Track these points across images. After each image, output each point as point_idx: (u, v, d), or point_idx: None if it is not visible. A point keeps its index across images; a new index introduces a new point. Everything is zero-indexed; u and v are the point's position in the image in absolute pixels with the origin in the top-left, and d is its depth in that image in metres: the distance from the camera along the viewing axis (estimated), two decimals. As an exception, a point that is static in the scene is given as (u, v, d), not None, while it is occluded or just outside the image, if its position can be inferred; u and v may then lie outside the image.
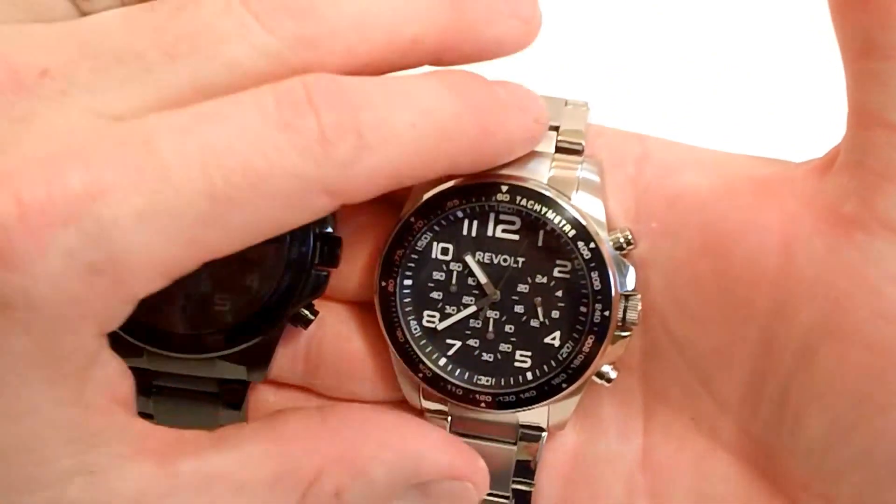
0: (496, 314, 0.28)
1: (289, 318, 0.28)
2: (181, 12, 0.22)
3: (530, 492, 0.29)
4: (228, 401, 0.29)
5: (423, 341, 0.28)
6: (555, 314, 0.28)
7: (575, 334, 0.27)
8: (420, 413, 0.29)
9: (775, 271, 0.25)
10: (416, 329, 0.28)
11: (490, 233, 0.28)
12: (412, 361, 0.28)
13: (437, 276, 0.28)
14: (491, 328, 0.28)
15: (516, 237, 0.28)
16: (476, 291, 0.28)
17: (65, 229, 0.20)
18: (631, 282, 0.27)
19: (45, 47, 0.22)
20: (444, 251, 0.28)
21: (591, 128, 0.28)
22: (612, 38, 0.51)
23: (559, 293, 0.27)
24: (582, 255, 0.27)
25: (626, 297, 0.27)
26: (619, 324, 0.27)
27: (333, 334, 0.29)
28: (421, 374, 0.28)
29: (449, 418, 0.29)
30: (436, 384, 0.28)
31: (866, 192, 0.24)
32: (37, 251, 0.19)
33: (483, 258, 0.28)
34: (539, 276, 0.28)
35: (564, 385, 0.27)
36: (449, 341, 0.28)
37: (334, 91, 0.22)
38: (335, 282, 0.28)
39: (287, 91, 0.21)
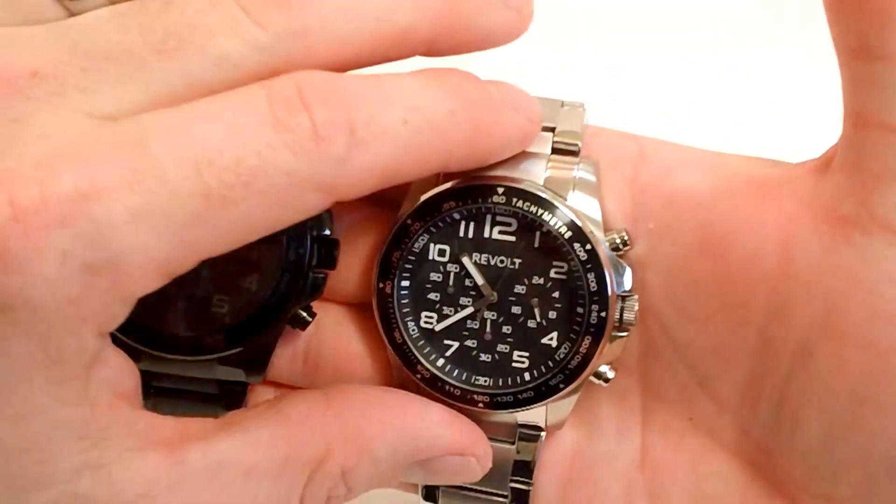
0: (493, 315, 0.28)
1: (287, 320, 0.28)
2: (169, 8, 0.22)
3: (529, 491, 0.29)
4: (228, 402, 0.29)
5: (421, 342, 0.28)
6: (552, 315, 0.28)
7: (572, 335, 0.27)
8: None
9: (773, 272, 0.25)
10: (413, 330, 0.28)
11: (487, 234, 0.28)
12: (410, 362, 0.28)
13: (435, 277, 0.28)
14: (488, 329, 0.28)
15: (513, 238, 0.28)
16: (473, 293, 0.28)
17: (60, 230, 0.20)
18: (628, 282, 0.27)
19: (35, 49, 0.22)
20: (441, 252, 0.28)
21: (587, 128, 0.28)
22: (612, 38, 0.51)
23: (556, 294, 0.28)
24: (578, 255, 0.27)
25: (623, 297, 0.27)
26: (617, 324, 0.27)
27: (331, 336, 0.29)
28: (419, 375, 0.28)
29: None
30: (434, 385, 0.28)
31: (863, 192, 0.24)
32: (33, 253, 0.20)
33: (480, 259, 0.28)
34: (536, 277, 0.28)
35: (562, 385, 0.27)
36: (447, 342, 0.28)
37: (326, 88, 0.22)
38: (333, 283, 0.29)
39: (279, 89, 0.21)
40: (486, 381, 0.28)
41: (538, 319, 0.28)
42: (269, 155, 0.21)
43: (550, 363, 0.28)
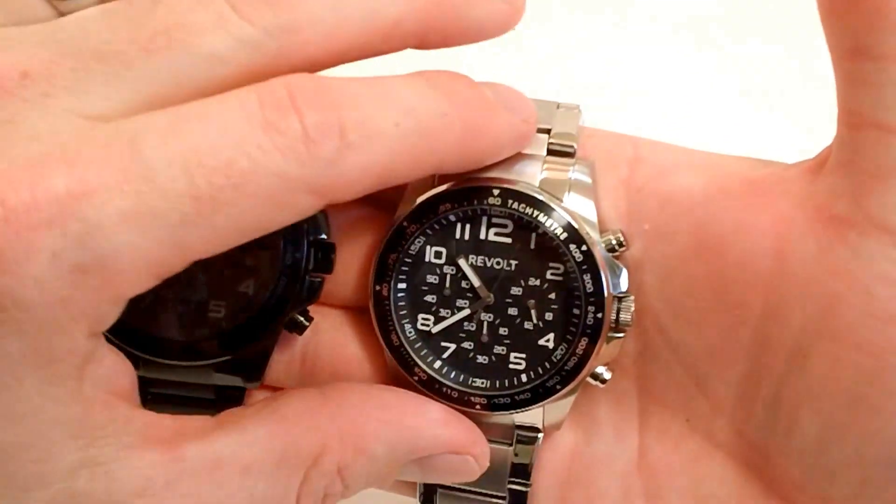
0: (490, 317, 0.28)
1: (284, 325, 0.28)
2: (158, 6, 0.22)
3: (526, 492, 0.29)
4: (225, 408, 0.29)
5: (418, 344, 0.28)
6: (548, 316, 0.28)
7: (569, 336, 0.27)
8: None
9: (768, 272, 0.25)
10: (410, 332, 0.28)
11: (483, 236, 0.28)
12: (407, 365, 0.28)
13: (431, 279, 0.28)
14: (485, 331, 0.28)
15: (509, 240, 0.28)
16: (470, 294, 0.28)
17: (50, 231, 0.20)
18: (624, 283, 0.27)
19: (24, 49, 0.22)
20: (438, 255, 0.28)
21: (583, 130, 0.28)
22: (612, 39, 0.51)
23: (552, 295, 0.28)
24: (574, 257, 0.27)
25: (619, 298, 0.27)
26: (613, 325, 0.27)
27: (329, 339, 0.29)
28: (416, 377, 0.28)
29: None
30: (431, 387, 0.28)
31: (858, 192, 0.24)
32: (23, 253, 0.20)
33: (476, 261, 0.28)
34: (532, 279, 0.28)
35: (559, 387, 0.27)
36: (444, 344, 0.28)
37: (317, 91, 0.22)
38: (329, 287, 0.29)
39: (270, 91, 0.21)
40: (483, 382, 0.28)
41: (535, 321, 0.28)
42: (260, 157, 0.21)
43: (547, 364, 0.28)
